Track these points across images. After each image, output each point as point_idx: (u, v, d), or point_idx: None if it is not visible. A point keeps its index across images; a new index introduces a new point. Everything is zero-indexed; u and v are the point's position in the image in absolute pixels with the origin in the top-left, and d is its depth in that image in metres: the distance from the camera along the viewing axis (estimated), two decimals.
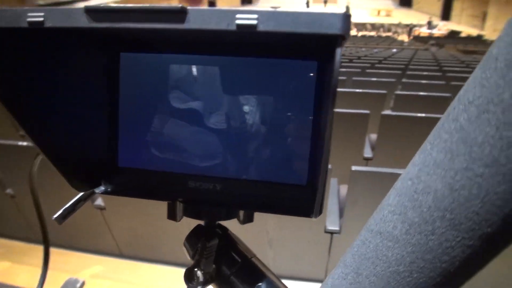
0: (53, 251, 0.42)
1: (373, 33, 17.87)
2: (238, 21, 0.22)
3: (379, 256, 0.21)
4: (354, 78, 3.58)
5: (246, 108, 0.32)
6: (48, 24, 0.24)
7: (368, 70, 4.43)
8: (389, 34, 17.87)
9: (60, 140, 0.32)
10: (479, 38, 15.18)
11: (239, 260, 0.35)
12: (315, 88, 0.30)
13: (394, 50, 9.47)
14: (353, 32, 17.99)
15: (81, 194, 0.35)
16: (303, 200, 0.32)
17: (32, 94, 0.30)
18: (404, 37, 16.93)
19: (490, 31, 16.40)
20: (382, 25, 19.42)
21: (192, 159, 0.34)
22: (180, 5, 0.22)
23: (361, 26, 19.21)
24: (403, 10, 24.17)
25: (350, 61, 5.65)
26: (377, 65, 5.15)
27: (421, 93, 2.85)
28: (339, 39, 0.22)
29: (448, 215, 0.18)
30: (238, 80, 0.32)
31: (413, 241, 0.19)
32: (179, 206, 0.35)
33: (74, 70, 0.32)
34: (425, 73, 4.39)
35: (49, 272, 0.41)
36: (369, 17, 22.48)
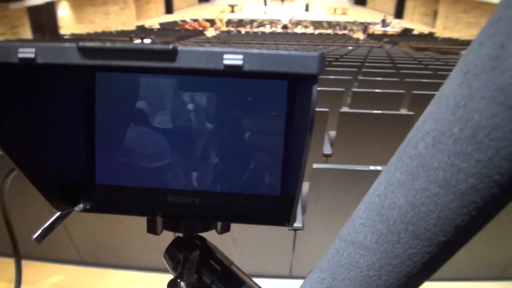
0: (10, 261, 0.41)
1: (329, 31, 18.28)
2: (225, 62, 0.23)
3: (352, 262, 0.24)
4: None
5: (222, 125, 0.34)
6: (39, 61, 0.24)
7: (326, 68, 4.54)
8: (345, 32, 18.33)
9: (40, 160, 0.32)
10: (430, 36, 15.95)
11: (219, 269, 0.36)
12: (286, 106, 0.32)
13: (350, 47, 9.76)
14: (311, 30, 18.34)
15: (59, 212, 0.35)
16: (278, 210, 0.34)
17: (10, 115, 0.30)
18: (359, 35, 17.45)
19: (441, 29, 17.25)
20: (338, 23, 19.89)
21: (169, 174, 0.35)
22: (171, 46, 0.23)
23: (318, 24, 19.59)
24: (358, 8, 24.91)
25: None
26: (334, 63, 5.28)
27: (377, 90, 2.97)
28: (315, 77, 0.24)
29: (411, 227, 0.21)
30: (213, 99, 0.33)
31: (381, 249, 0.22)
32: (159, 220, 0.36)
33: (51, 91, 0.32)
34: (380, 70, 4.57)
35: (6, 284, 0.40)
36: (326, 15, 22.97)
